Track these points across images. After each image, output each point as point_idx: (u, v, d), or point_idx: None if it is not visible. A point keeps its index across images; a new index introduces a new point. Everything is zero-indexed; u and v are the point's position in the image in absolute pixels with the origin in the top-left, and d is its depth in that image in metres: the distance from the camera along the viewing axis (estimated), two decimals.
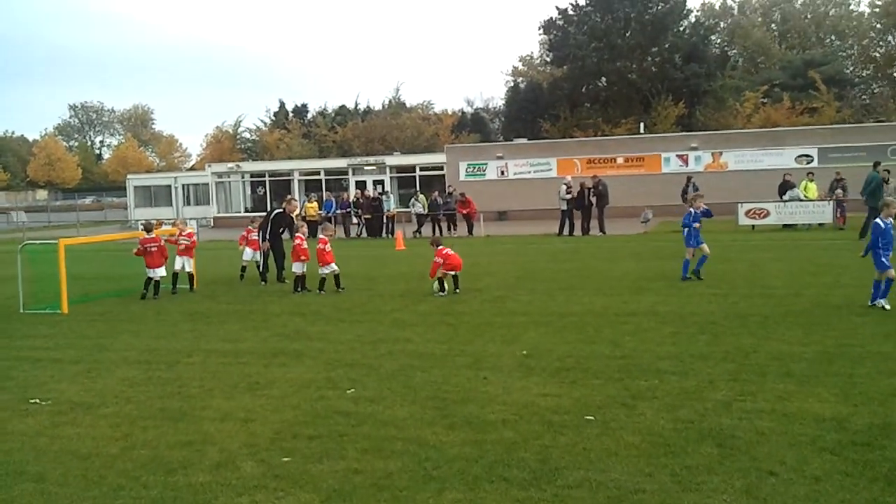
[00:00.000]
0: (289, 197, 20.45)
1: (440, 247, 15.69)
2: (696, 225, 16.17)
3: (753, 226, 29.87)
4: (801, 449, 6.23)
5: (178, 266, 17.42)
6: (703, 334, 10.75)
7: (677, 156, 41.59)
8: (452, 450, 6.46)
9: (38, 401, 8.42)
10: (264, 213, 20.12)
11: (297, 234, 17.11)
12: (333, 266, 16.27)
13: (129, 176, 59.55)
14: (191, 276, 17.63)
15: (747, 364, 9.00)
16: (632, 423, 6.98)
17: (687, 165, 40.69)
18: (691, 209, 16.37)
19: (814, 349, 9.62)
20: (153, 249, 16.44)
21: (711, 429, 6.77)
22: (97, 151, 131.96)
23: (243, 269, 19.48)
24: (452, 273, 15.55)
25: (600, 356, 9.64)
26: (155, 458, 6.52)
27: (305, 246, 16.56)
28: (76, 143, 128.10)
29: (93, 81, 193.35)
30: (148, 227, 17.06)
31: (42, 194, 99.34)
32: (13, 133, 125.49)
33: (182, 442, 6.89)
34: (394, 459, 6.29)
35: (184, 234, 17.69)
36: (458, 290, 15.45)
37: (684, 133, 48.21)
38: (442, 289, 15.38)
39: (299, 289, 16.48)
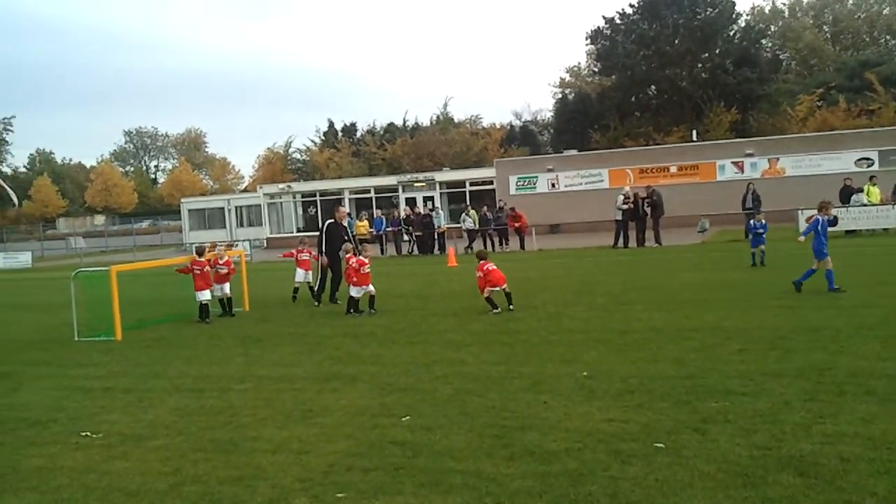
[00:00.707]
0: (338, 206, 20.40)
1: (482, 261, 15.49)
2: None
3: None
4: (891, 478, 5.73)
5: (217, 294, 17.38)
6: (773, 350, 10.22)
7: (732, 163, 40.78)
8: (514, 483, 6.09)
9: (88, 434, 8.27)
10: (317, 233, 20.02)
11: (347, 255, 16.93)
12: (370, 287, 16.25)
13: (183, 199, 60.43)
14: (229, 299, 17.59)
15: (823, 382, 8.45)
16: (705, 451, 6.53)
17: (743, 172, 39.86)
18: (819, 216, 15.37)
19: (893, 364, 9.03)
20: (197, 272, 16.53)
21: (791, 456, 6.29)
22: (152, 176, 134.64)
23: (296, 290, 19.40)
24: (498, 289, 15.22)
25: (665, 376, 9.18)
26: (205, 495, 6.27)
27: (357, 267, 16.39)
28: (132, 169, 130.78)
29: (146, 107, 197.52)
30: (200, 251, 17.13)
31: (100, 219, 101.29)
32: (70, 160, 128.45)
33: (233, 477, 6.63)
34: (452, 495, 5.94)
35: (221, 261, 17.62)
36: (511, 308, 15.09)
37: (739, 139, 47.27)
38: (494, 307, 15.03)
39: (352, 311, 16.24)
